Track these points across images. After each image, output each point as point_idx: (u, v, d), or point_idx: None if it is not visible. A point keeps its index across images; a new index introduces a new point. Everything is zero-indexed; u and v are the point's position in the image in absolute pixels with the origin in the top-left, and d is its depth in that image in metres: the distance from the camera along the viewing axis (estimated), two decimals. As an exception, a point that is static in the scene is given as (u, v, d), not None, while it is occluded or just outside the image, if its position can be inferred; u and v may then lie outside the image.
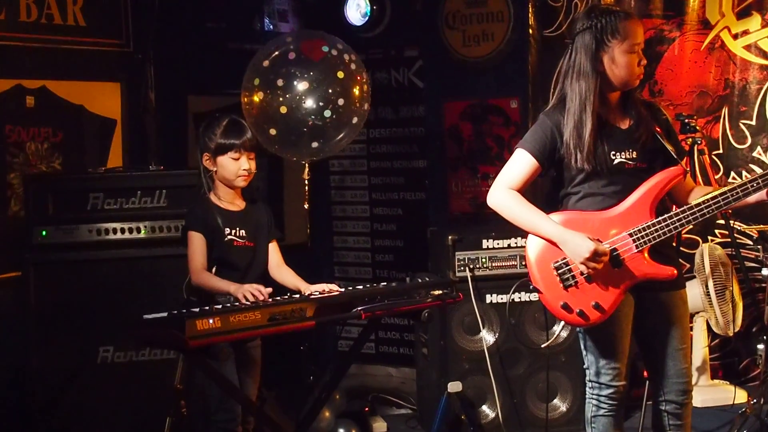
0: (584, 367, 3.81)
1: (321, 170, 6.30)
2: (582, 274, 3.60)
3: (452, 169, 6.18)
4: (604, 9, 3.66)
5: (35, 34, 5.28)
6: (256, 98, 4.92)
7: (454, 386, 4.95)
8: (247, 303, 3.62)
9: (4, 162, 5.18)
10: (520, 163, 3.68)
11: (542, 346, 4.62)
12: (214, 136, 4.01)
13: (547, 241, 3.63)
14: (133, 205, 4.80)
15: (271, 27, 6.48)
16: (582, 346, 3.80)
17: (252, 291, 3.69)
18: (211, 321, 3.34)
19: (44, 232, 4.69)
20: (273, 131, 4.92)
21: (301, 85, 4.86)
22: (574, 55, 3.64)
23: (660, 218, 3.60)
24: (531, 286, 3.68)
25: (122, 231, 4.77)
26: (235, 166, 4.01)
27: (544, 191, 3.88)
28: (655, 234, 3.59)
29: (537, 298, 4.91)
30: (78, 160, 5.50)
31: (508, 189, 3.67)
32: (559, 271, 3.63)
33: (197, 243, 3.93)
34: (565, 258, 3.62)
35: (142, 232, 4.79)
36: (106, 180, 4.86)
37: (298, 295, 3.81)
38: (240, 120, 4.11)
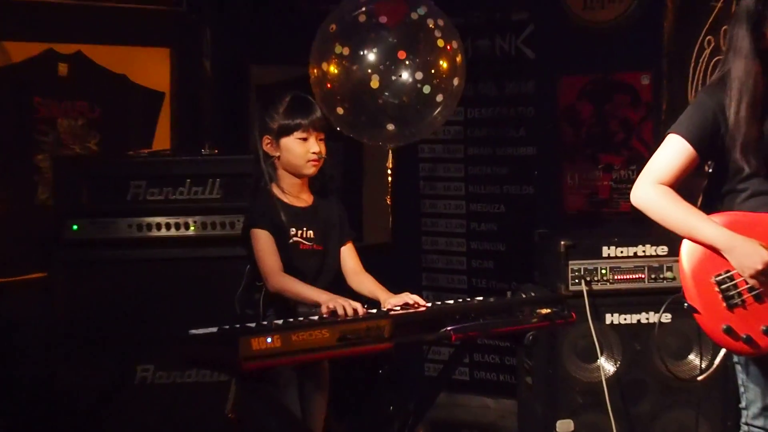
0: (741, 406, 3.71)
1: (408, 157, 6.27)
2: (751, 291, 3.50)
3: (567, 158, 6.10)
4: None
5: (70, -10, 5.37)
6: (322, 70, 4.93)
7: (564, 425, 4.88)
8: (326, 318, 3.61)
9: (31, 141, 5.27)
10: (674, 152, 3.58)
11: (699, 378, 4.51)
12: (276, 114, 4.00)
13: (707, 248, 3.54)
14: (181, 195, 4.82)
15: (352, -17, 6.46)
16: (740, 381, 3.69)
17: (347, 306, 3.67)
18: (269, 339, 3.33)
19: (76, 226, 4.73)
20: (340, 110, 4.92)
21: (373, 56, 4.84)
22: (733, 26, 3.55)
23: None
24: (686, 304, 3.57)
25: (168, 227, 4.79)
26: (303, 149, 3.99)
27: (701, 187, 3.77)
28: None
29: (669, 319, 4.83)
30: (118, 140, 5.57)
31: (657, 184, 3.58)
32: (722, 287, 3.52)
33: (266, 242, 3.92)
34: (729, 271, 3.51)
35: (192, 228, 4.81)
36: (150, 165, 4.90)
37: (375, 310, 3.76)
38: (306, 96, 4.10)
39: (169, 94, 5.75)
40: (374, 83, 4.82)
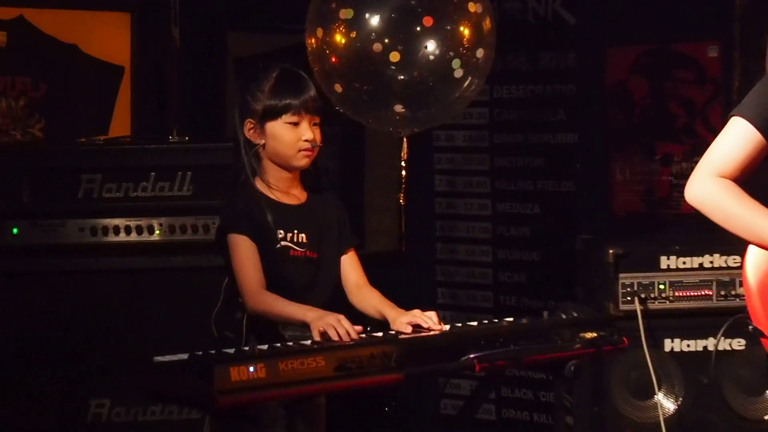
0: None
1: (420, 146, 6.26)
2: None
3: (616, 147, 6.11)
4: None
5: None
6: (320, 38, 4.94)
7: (613, 474, 4.88)
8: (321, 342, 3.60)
9: (-39, 126, 5.28)
10: (738, 139, 3.57)
11: (766, 417, 4.50)
12: (261, 93, 3.98)
13: None
14: (144, 192, 4.83)
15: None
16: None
17: (337, 325, 3.65)
18: (252, 369, 3.32)
19: (15, 230, 4.74)
20: (338, 87, 4.92)
21: (375, 19, 4.85)
22: None
23: None
24: (751, 327, 3.57)
25: (127, 230, 4.81)
26: (293, 136, 3.98)
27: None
28: None
29: (742, 346, 4.82)
30: (67, 124, 5.57)
31: (716, 177, 3.58)
32: (796, 305, 3.53)
33: (247, 251, 3.91)
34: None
35: (156, 232, 4.83)
36: (106, 155, 4.90)
37: (380, 333, 3.75)
38: (297, 70, 4.08)
39: (129, 69, 5.75)
40: (394, 56, 4.83)
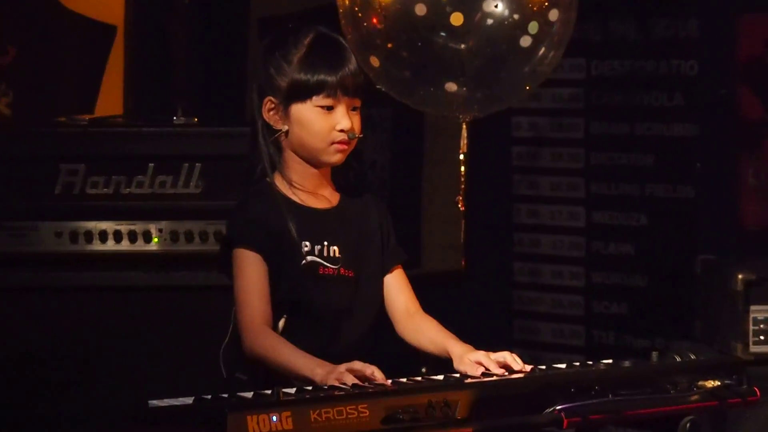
0: None
1: (495, 136, 6.28)
2: None
3: (748, 143, 6.12)
4: None
5: None
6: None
7: None
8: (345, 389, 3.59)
9: None
10: None
11: None
12: (287, 64, 3.96)
13: None
14: (139, 188, 4.88)
15: None
16: None
17: (355, 375, 3.64)
18: (275, 418, 3.32)
19: (-22, 234, 4.80)
20: (375, 60, 4.95)
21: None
22: None
23: None
24: None
25: (117, 237, 4.85)
26: (325, 124, 3.95)
27: None
28: None
29: None
30: (42, 99, 5.61)
31: None
32: None
33: (253, 273, 3.89)
34: None
35: (155, 240, 4.86)
36: (92, 140, 4.95)
37: (441, 377, 3.76)
38: (336, 36, 4.06)
39: (122, 29, 5.78)
40: (456, 19, 4.85)
